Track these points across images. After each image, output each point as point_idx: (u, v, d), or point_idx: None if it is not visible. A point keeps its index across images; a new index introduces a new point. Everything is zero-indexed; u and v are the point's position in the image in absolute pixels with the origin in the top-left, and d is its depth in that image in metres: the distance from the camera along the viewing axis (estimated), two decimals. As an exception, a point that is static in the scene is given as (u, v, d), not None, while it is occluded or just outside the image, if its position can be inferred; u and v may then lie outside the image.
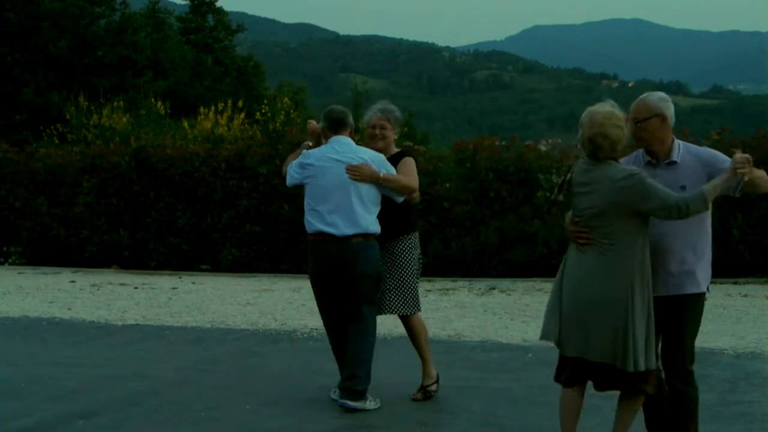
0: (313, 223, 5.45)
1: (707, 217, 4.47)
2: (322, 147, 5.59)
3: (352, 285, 5.43)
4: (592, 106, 4.30)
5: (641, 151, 4.46)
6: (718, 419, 5.24)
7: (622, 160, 4.36)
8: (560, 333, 4.30)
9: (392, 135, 5.82)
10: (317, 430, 5.14)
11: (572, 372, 4.30)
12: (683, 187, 4.25)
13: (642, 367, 4.15)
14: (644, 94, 4.51)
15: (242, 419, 5.31)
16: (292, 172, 5.58)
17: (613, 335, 4.15)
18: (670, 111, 4.38)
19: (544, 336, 4.43)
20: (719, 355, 7.02)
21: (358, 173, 5.41)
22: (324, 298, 5.56)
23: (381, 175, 5.47)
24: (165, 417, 5.36)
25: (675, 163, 4.34)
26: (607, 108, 4.24)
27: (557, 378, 4.41)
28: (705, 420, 5.19)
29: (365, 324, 5.49)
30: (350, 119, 5.63)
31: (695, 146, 4.48)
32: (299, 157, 5.63)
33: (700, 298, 4.43)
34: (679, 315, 4.33)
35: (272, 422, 5.26)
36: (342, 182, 5.40)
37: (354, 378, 5.39)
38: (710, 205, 4.22)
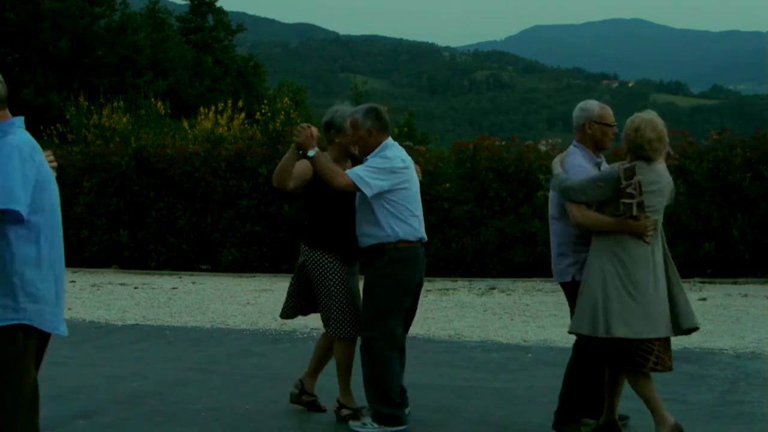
0: (417, 229, 5.08)
1: None
2: (398, 151, 5.10)
3: (419, 296, 5.34)
4: (640, 112, 4.77)
5: (586, 151, 5.02)
6: (718, 419, 5.24)
7: (573, 157, 4.98)
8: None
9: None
10: (317, 430, 5.14)
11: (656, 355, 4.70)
12: None
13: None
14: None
15: (242, 419, 5.31)
16: (377, 182, 4.92)
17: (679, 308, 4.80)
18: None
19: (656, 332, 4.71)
20: (719, 355, 7.02)
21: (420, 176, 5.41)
22: (404, 312, 5.18)
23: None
24: (165, 417, 5.36)
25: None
26: (655, 116, 4.76)
27: (633, 364, 4.70)
28: (705, 420, 5.20)
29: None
30: None
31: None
32: (380, 162, 4.99)
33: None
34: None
35: (272, 422, 5.26)
36: (418, 187, 5.21)
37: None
38: None
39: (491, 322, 8.68)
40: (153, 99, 20.37)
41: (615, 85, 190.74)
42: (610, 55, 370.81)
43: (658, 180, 4.69)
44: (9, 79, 31.74)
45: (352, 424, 5.07)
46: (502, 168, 12.32)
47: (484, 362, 6.92)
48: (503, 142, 13.31)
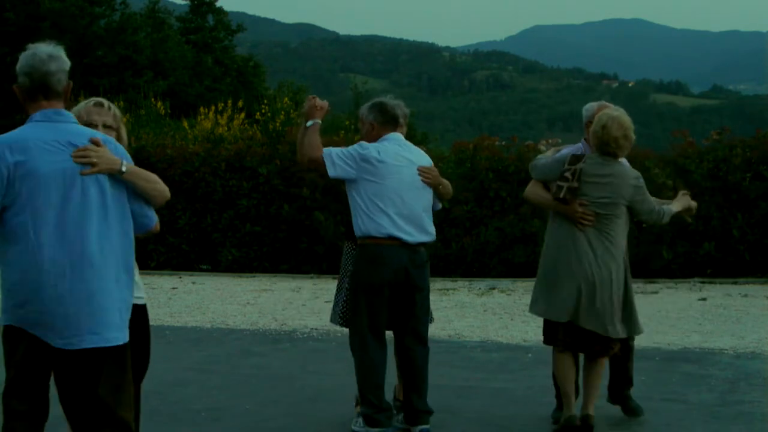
0: (386, 226, 4.84)
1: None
2: (388, 144, 4.97)
3: (413, 298, 4.93)
4: (606, 108, 5.02)
5: (584, 143, 5.25)
6: (718, 419, 5.24)
7: (567, 149, 5.21)
8: (557, 301, 4.86)
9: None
10: (317, 431, 5.14)
11: (564, 336, 4.89)
12: None
13: (624, 334, 4.91)
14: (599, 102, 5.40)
15: (242, 419, 5.31)
16: (342, 164, 4.85)
17: (609, 308, 4.80)
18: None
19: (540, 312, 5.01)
20: (719, 355, 7.02)
21: (431, 177, 5.04)
22: (378, 310, 4.88)
23: (443, 182, 5.19)
24: (165, 417, 5.36)
25: None
26: (623, 113, 4.89)
27: (550, 341, 5.00)
28: (705, 420, 5.20)
29: (427, 345, 5.05)
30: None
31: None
32: (358, 148, 4.92)
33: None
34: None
35: (272, 422, 5.26)
36: (416, 185, 4.95)
37: (426, 412, 4.97)
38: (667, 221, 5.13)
39: (491, 322, 8.68)
40: (153, 99, 20.38)
41: (615, 85, 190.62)
42: (610, 55, 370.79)
43: (609, 174, 4.83)
44: (9, 79, 31.87)
45: (354, 422, 5.04)
46: (502, 168, 12.32)
47: (484, 362, 6.92)
48: (503, 142, 13.31)
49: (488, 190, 12.28)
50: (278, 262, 12.92)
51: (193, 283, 11.76)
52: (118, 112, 3.75)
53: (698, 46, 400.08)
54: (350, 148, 4.94)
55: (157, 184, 3.35)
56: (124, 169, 3.24)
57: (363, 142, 4.98)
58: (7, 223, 3.16)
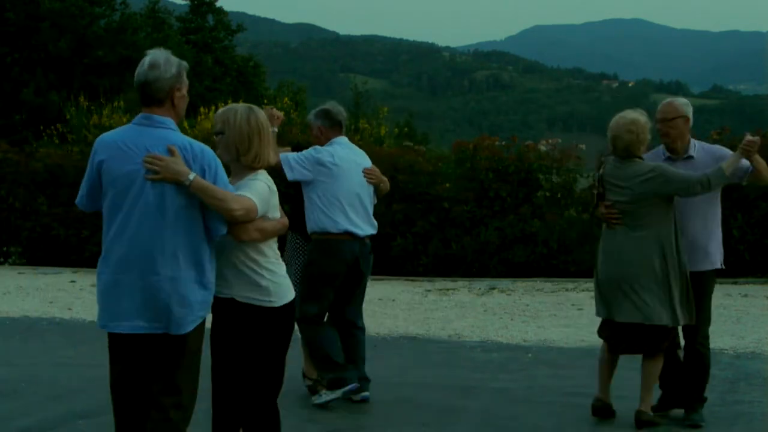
0: (339, 222, 5.46)
1: (716, 202, 5.17)
2: (339, 148, 5.57)
3: (357, 286, 5.66)
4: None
5: (661, 147, 5.25)
6: (718, 419, 5.24)
7: (646, 155, 5.15)
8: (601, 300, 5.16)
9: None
10: (317, 430, 5.14)
11: (605, 333, 5.20)
12: None
13: (665, 322, 4.99)
14: (670, 99, 5.41)
15: (242, 419, 5.30)
16: (300, 168, 5.42)
17: (650, 295, 4.98)
18: (691, 114, 5.20)
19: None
20: (719, 355, 7.01)
21: (375, 177, 5.67)
22: (329, 296, 5.55)
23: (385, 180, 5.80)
24: (165, 417, 5.35)
25: (692, 157, 5.13)
26: (630, 115, 5.06)
27: (601, 334, 5.27)
28: (705, 420, 5.20)
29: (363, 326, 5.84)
30: None
31: (708, 144, 5.31)
32: (313, 152, 5.49)
33: (713, 274, 5.22)
34: (697, 289, 5.12)
35: (272, 422, 5.25)
36: (363, 184, 5.60)
37: (366, 379, 5.66)
38: (726, 179, 4.95)
39: (491, 322, 8.68)
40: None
41: (615, 85, 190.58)
42: (610, 55, 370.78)
43: (623, 176, 5.02)
44: (9, 79, 31.91)
45: (313, 398, 5.54)
46: (502, 168, 12.32)
47: (484, 362, 6.91)
48: (503, 142, 13.31)
49: (488, 190, 12.28)
50: (278, 262, 12.91)
51: (193, 283, 11.75)
52: (229, 117, 3.79)
53: (698, 46, 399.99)
54: (305, 152, 5.50)
55: (222, 202, 3.49)
56: (187, 183, 3.44)
57: (318, 147, 5.55)
58: (102, 208, 3.61)
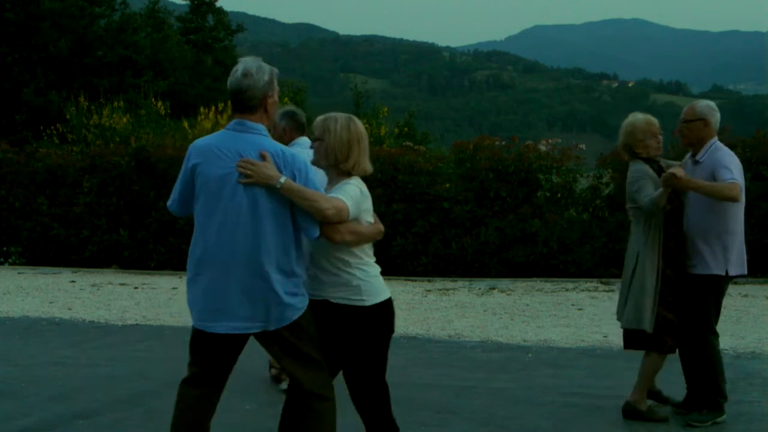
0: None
1: (726, 212, 5.17)
2: (303, 150, 5.64)
3: None
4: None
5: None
6: (718, 419, 5.23)
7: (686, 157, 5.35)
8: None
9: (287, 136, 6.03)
10: (317, 430, 5.14)
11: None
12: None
13: (632, 325, 5.14)
14: (697, 101, 5.41)
15: (242, 419, 5.31)
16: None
17: (623, 297, 5.25)
18: (713, 117, 5.22)
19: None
20: (719, 355, 7.02)
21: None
22: None
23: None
24: (165, 417, 5.35)
25: (699, 162, 5.18)
26: (629, 117, 5.26)
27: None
28: (704, 423, 5.19)
29: None
30: None
31: (723, 149, 5.19)
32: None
33: (707, 279, 5.16)
34: (691, 292, 5.17)
35: (272, 422, 5.25)
36: (324, 182, 5.66)
37: None
38: (659, 207, 5.01)
39: (491, 322, 8.68)
40: (153, 99, 20.40)
41: (615, 85, 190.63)
42: (610, 55, 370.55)
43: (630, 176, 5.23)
44: (9, 79, 31.91)
45: (281, 385, 5.79)
46: (502, 168, 12.32)
47: (484, 362, 6.91)
48: (503, 142, 13.30)
49: (488, 190, 12.28)
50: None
51: (193, 283, 11.75)
52: (329, 124, 3.90)
53: (698, 46, 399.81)
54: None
55: (313, 202, 3.61)
56: (278, 186, 3.57)
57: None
58: (194, 212, 3.74)
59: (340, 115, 3.91)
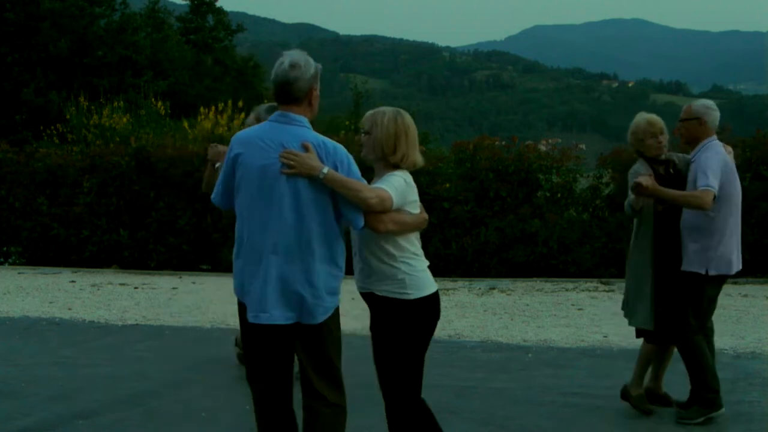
0: None
1: (710, 213, 5.12)
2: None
3: None
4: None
5: None
6: (718, 419, 5.23)
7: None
8: None
9: None
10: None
11: None
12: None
13: (629, 322, 5.35)
14: (696, 100, 5.48)
15: (242, 419, 5.31)
16: None
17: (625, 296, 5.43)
18: (709, 117, 5.25)
19: None
20: (719, 355, 6.99)
21: None
22: None
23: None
24: (165, 417, 5.36)
25: (693, 161, 5.23)
26: (635, 118, 5.35)
27: None
28: (705, 420, 5.19)
29: None
30: None
31: (711, 149, 5.18)
32: None
33: (688, 276, 5.19)
34: (678, 287, 5.22)
35: (272, 422, 5.26)
36: None
37: None
38: (633, 211, 5.22)
39: (491, 322, 8.68)
40: (153, 99, 20.39)
41: (615, 85, 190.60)
42: (610, 55, 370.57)
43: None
44: (9, 79, 31.91)
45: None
46: (502, 168, 12.32)
47: (484, 362, 6.91)
48: (503, 142, 13.29)
49: (488, 190, 12.28)
50: (278, 262, 12.90)
51: (193, 283, 11.75)
52: (377, 118, 3.93)
53: (698, 46, 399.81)
54: None
55: (357, 192, 3.62)
56: (321, 176, 3.57)
57: None
58: (234, 203, 3.75)
59: (388, 109, 3.95)
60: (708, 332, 5.33)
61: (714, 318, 8.78)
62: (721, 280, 5.24)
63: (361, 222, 3.69)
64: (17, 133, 27.36)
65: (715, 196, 5.00)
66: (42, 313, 9.24)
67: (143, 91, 23.58)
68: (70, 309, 9.57)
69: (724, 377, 6.26)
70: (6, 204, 14.04)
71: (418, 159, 3.95)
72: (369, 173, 3.86)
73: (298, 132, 3.65)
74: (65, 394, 5.88)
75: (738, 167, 12.29)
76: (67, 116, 19.32)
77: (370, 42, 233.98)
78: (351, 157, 3.71)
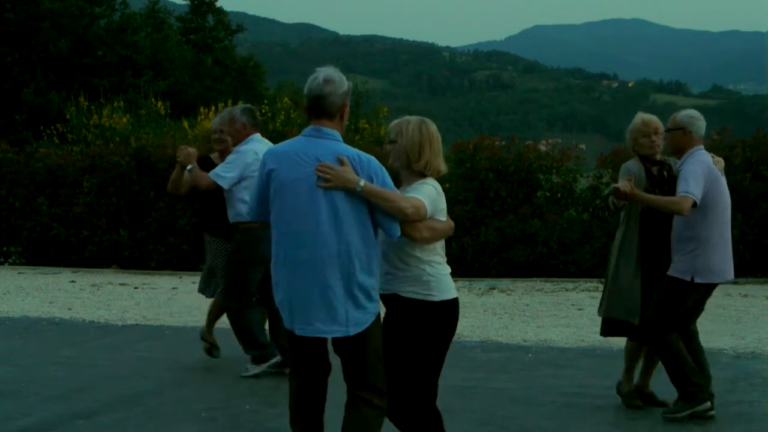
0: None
1: (694, 219, 5.16)
2: (260, 145, 6.21)
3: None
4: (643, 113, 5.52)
5: None
6: (718, 419, 5.24)
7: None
8: None
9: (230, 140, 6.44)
10: (317, 430, 5.13)
11: None
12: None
13: (601, 314, 5.46)
14: (681, 110, 5.51)
15: (242, 419, 5.31)
16: (229, 175, 6.20)
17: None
18: (694, 126, 5.28)
19: None
20: (719, 355, 7.02)
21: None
22: (256, 280, 6.33)
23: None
24: (165, 417, 5.36)
25: (681, 170, 5.23)
26: (635, 117, 5.43)
27: None
28: (705, 420, 5.20)
29: None
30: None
31: (695, 158, 5.21)
32: (237, 156, 6.21)
33: (672, 281, 5.20)
34: (660, 290, 5.24)
35: (272, 422, 5.25)
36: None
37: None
38: (610, 210, 5.46)
39: (491, 322, 8.68)
40: (153, 99, 20.38)
41: (615, 85, 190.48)
42: (610, 55, 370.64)
43: None
44: (9, 79, 31.91)
45: (242, 373, 6.29)
46: (502, 168, 12.32)
47: (484, 362, 6.91)
48: (503, 142, 13.30)
49: (488, 190, 12.28)
50: (278, 262, 12.90)
51: (193, 283, 11.72)
52: (402, 126, 4.05)
53: (698, 46, 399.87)
54: (229, 158, 6.23)
55: (394, 203, 3.73)
56: (358, 189, 3.68)
57: (238, 150, 6.23)
58: (270, 217, 3.83)
59: (413, 118, 4.06)
60: (693, 334, 5.37)
61: (714, 318, 8.81)
62: (708, 288, 5.26)
63: (398, 231, 3.78)
64: (17, 133, 27.35)
65: (695, 204, 5.02)
66: (42, 313, 9.24)
67: (143, 91, 23.57)
68: (70, 309, 9.57)
69: (724, 377, 6.27)
70: (6, 204, 14.04)
71: (442, 167, 4.05)
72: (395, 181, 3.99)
73: (331, 146, 3.74)
74: (65, 394, 5.88)
75: (738, 167, 12.35)
76: (67, 116, 19.31)
77: (370, 42, 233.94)
78: (384, 168, 3.82)
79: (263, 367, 6.26)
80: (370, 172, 3.75)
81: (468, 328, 8.33)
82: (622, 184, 5.07)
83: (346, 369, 3.81)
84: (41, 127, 21.12)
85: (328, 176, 3.66)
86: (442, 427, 4.02)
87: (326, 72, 3.79)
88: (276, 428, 5.16)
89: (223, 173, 6.15)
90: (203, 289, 6.89)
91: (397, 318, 3.92)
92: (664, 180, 5.32)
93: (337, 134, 3.80)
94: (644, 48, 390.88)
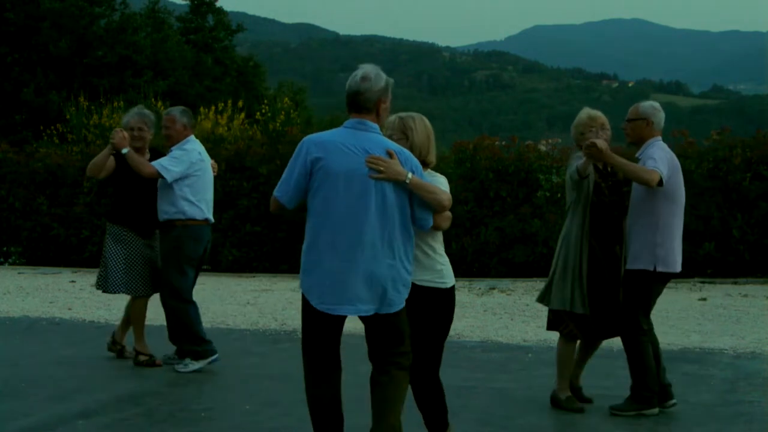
0: (205, 211, 6.46)
1: (659, 206, 5.18)
2: (198, 146, 6.49)
3: (203, 262, 6.86)
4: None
5: None
6: (718, 419, 5.24)
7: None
8: None
9: (149, 136, 6.52)
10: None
11: None
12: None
13: (549, 304, 5.46)
14: (642, 101, 5.53)
15: (242, 419, 5.31)
16: (176, 168, 6.29)
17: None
18: (656, 117, 5.31)
19: None
20: (719, 355, 7.02)
21: (216, 170, 6.90)
22: (193, 275, 6.74)
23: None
24: (165, 417, 5.36)
25: (638, 159, 5.30)
26: (579, 113, 5.53)
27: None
28: (705, 420, 5.21)
29: None
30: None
31: (657, 146, 5.25)
32: (181, 153, 6.34)
33: (634, 274, 5.23)
34: (624, 286, 5.30)
35: (272, 422, 5.25)
36: (211, 177, 6.65)
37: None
38: (580, 174, 5.23)
39: (491, 322, 8.68)
40: (153, 99, 20.39)
41: (615, 85, 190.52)
42: (610, 55, 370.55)
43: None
44: (9, 79, 31.92)
45: (177, 366, 6.42)
46: (502, 168, 12.32)
47: (484, 362, 6.91)
48: (503, 142, 13.30)
49: (488, 190, 12.28)
50: (278, 262, 12.92)
51: (193, 283, 11.74)
52: (409, 123, 4.26)
53: (698, 46, 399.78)
54: (175, 154, 6.32)
55: (436, 195, 4.00)
56: (407, 180, 3.90)
57: (183, 147, 6.36)
58: (308, 203, 3.96)
59: (415, 115, 4.28)
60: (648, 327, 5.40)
61: (714, 318, 8.82)
62: (665, 278, 5.27)
63: (431, 222, 4.05)
64: (17, 133, 27.37)
65: (661, 181, 5.02)
66: (42, 313, 9.24)
67: (143, 91, 23.58)
68: (70, 309, 9.57)
69: (724, 377, 6.28)
70: (6, 204, 14.04)
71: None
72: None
73: (377, 139, 3.95)
74: (65, 394, 5.87)
75: (738, 167, 12.34)
76: (67, 116, 19.32)
77: (370, 42, 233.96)
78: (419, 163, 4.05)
79: (203, 363, 6.41)
80: (411, 165, 3.96)
81: (468, 328, 8.33)
82: (600, 141, 5.03)
83: (377, 340, 4.03)
84: (41, 127, 21.13)
85: (380, 168, 3.84)
86: (443, 392, 4.45)
87: (365, 69, 3.98)
88: (276, 428, 5.16)
89: (171, 167, 6.24)
90: (103, 285, 6.67)
91: (412, 303, 4.13)
92: (612, 174, 5.34)
93: (378, 128, 3.99)
94: (644, 48, 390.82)
